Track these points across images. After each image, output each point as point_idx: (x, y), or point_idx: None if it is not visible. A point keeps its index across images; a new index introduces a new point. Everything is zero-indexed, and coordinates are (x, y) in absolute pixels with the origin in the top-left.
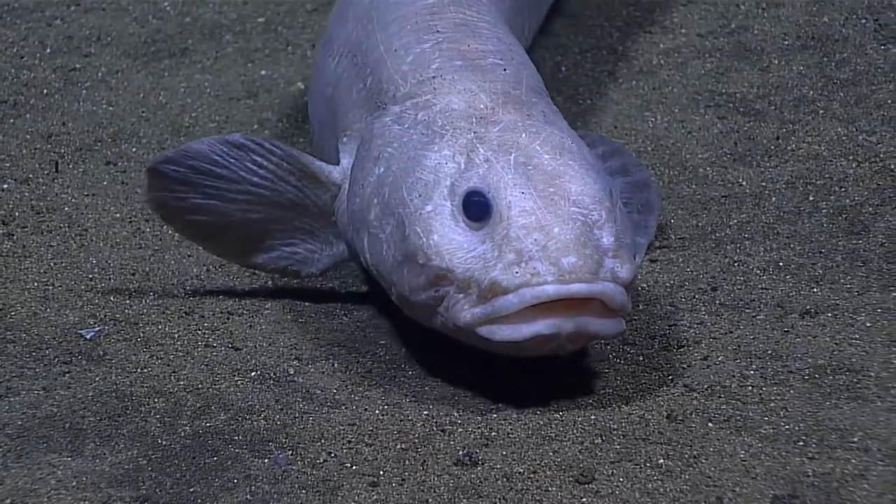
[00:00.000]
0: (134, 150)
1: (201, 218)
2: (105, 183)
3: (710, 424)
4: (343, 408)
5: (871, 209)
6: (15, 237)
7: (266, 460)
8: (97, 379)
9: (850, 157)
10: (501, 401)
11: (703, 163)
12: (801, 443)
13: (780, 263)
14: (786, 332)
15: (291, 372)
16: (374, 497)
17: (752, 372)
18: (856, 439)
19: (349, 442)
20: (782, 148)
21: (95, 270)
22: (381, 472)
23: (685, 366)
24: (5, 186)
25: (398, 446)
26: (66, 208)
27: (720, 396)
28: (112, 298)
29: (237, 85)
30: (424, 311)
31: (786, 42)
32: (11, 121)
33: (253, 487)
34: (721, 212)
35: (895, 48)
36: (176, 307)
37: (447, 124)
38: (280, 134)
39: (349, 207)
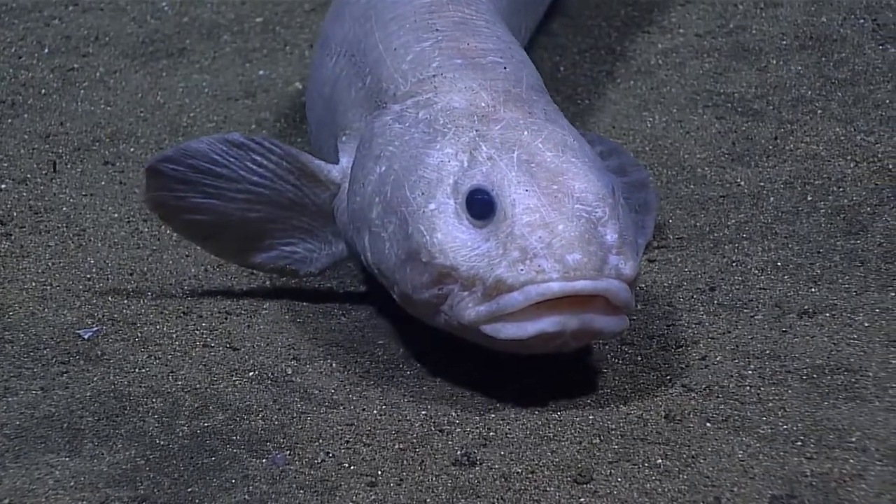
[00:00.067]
0: (132, 150)
1: (200, 217)
2: (103, 183)
3: (708, 424)
4: (341, 408)
5: (869, 209)
6: (13, 237)
7: (264, 460)
8: (95, 379)
9: (849, 157)
10: (500, 401)
11: (702, 163)
12: (800, 443)
13: (779, 263)
14: (784, 332)
15: (289, 372)
16: (372, 497)
17: (750, 372)
18: (854, 439)
19: (347, 442)
20: (780, 148)
21: (93, 270)
22: (379, 472)
23: (683, 366)
24: (3, 186)
25: (396, 446)
26: (64, 208)
27: (718, 396)
28: (110, 298)
29: (235, 85)
30: (427, 310)
31: (784, 42)
32: (9, 121)
33: (251, 487)
34: (719, 212)
35: (893, 48)
36: (174, 307)
37: (449, 122)
38: (278, 134)
39: (349, 206)
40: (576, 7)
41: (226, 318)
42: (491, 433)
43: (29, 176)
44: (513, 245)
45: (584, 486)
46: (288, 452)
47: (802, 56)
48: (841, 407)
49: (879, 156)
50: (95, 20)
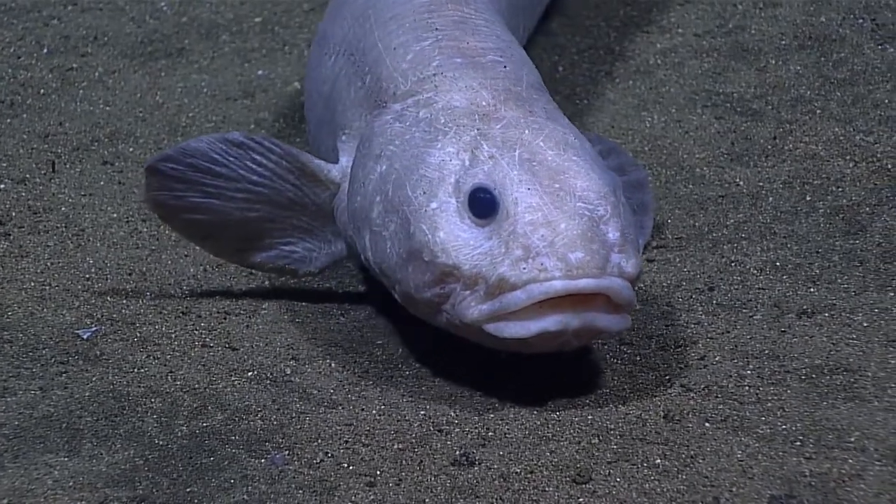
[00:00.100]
0: (131, 150)
1: (200, 217)
2: (102, 183)
3: (707, 424)
4: (340, 408)
5: (868, 209)
6: (12, 237)
7: (263, 460)
8: (94, 379)
9: (848, 157)
10: (498, 401)
11: (700, 162)
12: (798, 443)
13: (777, 263)
14: (783, 332)
15: (288, 372)
16: (371, 497)
17: (749, 372)
18: (853, 439)
19: (346, 442)
20: (779, 148)
21: (92, 270)
22: (378, 472)
23: (682, 366)
24: (2, 186)
25: (395, 446)
26: (63, 208)
27: (717, 396)
28: (109, 298)
29: (234, 85)
30: (429, 309)
31: (783, 42)
32: (8, 121)
33: (250, 487)
34: (718, 212)
35: (892, 48)
36: (173, 307)
37: (450, 121)
38: (277, 133)
39: (350, 206)
40: (574, 7)
41: (225, 318)
42: (490, 433)
43: (28, 176)
44: (515, 243)
45: (583, 486)
46: (287, 452)
47: (801, 56)
48: (840, 407)
49: (878, 156)
50: (94, 20)
